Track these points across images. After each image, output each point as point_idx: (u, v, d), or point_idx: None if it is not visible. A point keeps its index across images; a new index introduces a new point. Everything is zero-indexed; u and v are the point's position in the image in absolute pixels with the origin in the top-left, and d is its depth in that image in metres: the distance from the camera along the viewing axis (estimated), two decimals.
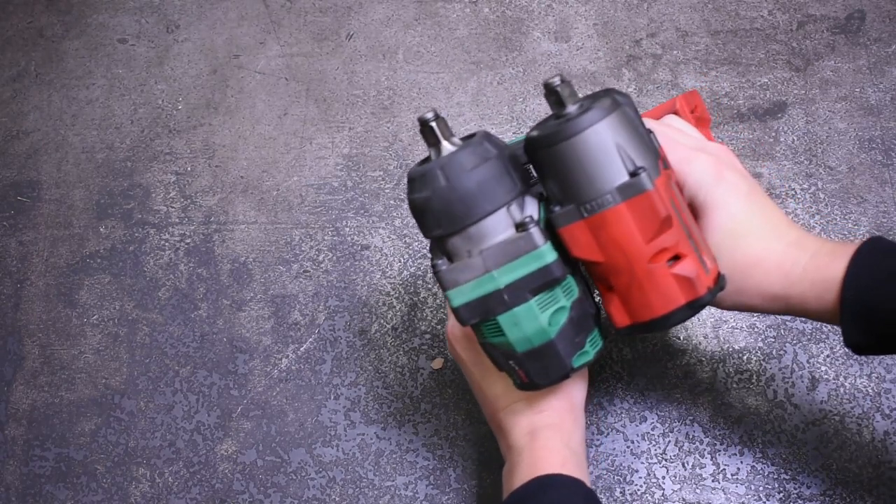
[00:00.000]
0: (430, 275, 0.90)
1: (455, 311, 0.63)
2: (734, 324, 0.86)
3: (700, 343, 0.86)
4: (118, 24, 1.04)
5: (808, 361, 0.84)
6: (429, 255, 0.91)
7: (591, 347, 0.65)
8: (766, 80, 0.95)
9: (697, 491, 0.81)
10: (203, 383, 0.89)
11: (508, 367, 0.65)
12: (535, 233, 0.61)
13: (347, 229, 0.93)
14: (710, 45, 0.97)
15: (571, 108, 0.61)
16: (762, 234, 0.65)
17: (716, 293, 0.63)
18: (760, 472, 0.81)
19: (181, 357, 0.90)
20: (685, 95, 0.73)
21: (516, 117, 0.96)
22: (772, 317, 0.86)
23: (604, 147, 0.59)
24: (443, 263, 0.62)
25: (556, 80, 0.61)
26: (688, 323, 0.86)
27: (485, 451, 0.84)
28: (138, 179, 0.97)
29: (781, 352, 0.85)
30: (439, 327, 0.89)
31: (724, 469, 0.82)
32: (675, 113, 0.72)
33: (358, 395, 0.87)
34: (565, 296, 0.63)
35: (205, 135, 0.98)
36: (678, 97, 0.72)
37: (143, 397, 0.89)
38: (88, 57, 1.03)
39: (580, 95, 0.63)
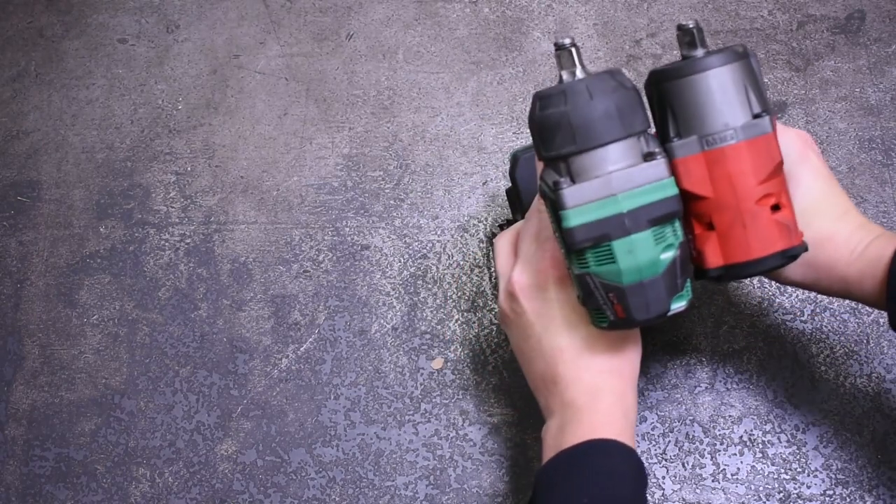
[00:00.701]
0: (430, 275, 0.90)
1: (569, 231, 0.62)
2: (734, 323, 0.86)
3: (700, 343, 0.86)
4: (118, 24, 1.04)
5: (808, 361, 0.84)
6: (429, 255, 0.91)
7: (686, 294, 0.65)
8: (766, 80, 0.95)
9: (697, 491, 0.81)
10: (203, 383, 0.89)
11: (604, 301, 0.64)
12: (664, 163, 0.62)
13: (347, 229, 0.93)
14: (709, 45, 0.97)
15: (700, 52, 0.65)
16: (835, 215, 0.68)
17: (803, 250, 0.66)
18: (760, 472, 0.81)
19: (181, 357, 0.90)
20: None
21: (516, 117, 0.96)
22: (771, 317, 0.86)
23: (733, 86, 0.63)
24: (565, 182, 0.62)
25: (691, 24, 0.64)
26: (688, 323, 0.86)
27: (485, 451, 0.84)
28: (138, 179, 0.97)
29: (781, 352, 0.85)
30: (439, 327, 0.89)
31: (724, 469, 0.82)
32: None
33: (358, 395, 0.87)
34: (674, 235, 0.63)
35: (205, 135, 0.98)
36: None
37: (143, 397, 0.89)
38: (88, 57, 1.03)
39: None
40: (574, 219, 0.62)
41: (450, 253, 0.91)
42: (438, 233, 0.92)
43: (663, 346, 0.86)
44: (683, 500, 0.81)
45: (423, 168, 0.95)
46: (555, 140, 0.62)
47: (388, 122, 0.97)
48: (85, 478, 0.87)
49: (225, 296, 0.92)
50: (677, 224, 0.63)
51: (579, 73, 0.63)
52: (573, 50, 0.63)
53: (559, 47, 0.63)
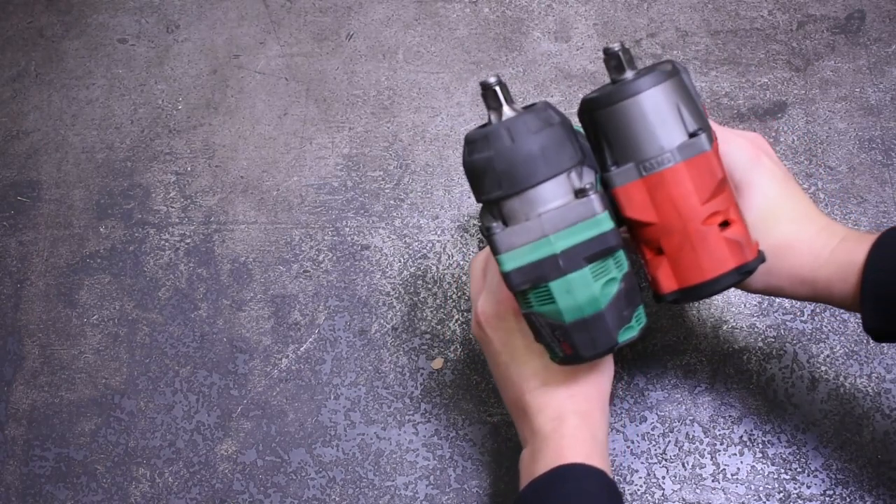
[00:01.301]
0: (430, 275, 0.90)
1: (506, 275, 0.62)
2: (734, 324, 0.86)
3: (700, 343, 0.86)
4: (118, 24, 1.04)
5: (808, 361, 0.84)
6: (428, 255, 0.91)
7: (637, 323, 0.64)
8: (766, 80, 0.95)
9: (697, 491, 0.81)
10: (203, 383, 0.89)
11: (551, 339, 0.64)
12: (595, 199, 0.61)
13: (347, 229, 0.93)
14: (710, 45, 0.97)
15: (629, 74, 0.63)
16: (794, 219, 0.66)
17: (759, 263, 0.64)
18: (760, 472, 0.81)
19: (181, 357, 0.90)
20: None
21: None
22: (772, 316, 0.86)
23: (665, 107, 0.61)
24: (498, 227, 0.61)
25: (617, 46, 0.63)
26: (688, 323, 0.86)
27: (485, 451, 0.84)
28: (138, 179, 0.97)
29: (781, 352, 0.85)
30: (439, 327, 0.89)
31: (724, 469, 0.82)
32: None
33: (358, 395, 0.87)
34: (616, 267, 0.62)
35: (205, 135, 0.98)
36: None
37: (143, 397, 0.89)
38: (88, 57, 1.03)
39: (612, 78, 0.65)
40: (508, 263, 0.62)
41: (450, 253, 0.91)
42: (438, 233, 0.92)
43: (663, 346, 0.86)
44: (683, 500, 0.81)
45: (423, 168, 0.95)
46: (483, 185, 0.62)
47: (388, 122, 0.97)
48: (85, 478, 0.87)
49: (225, 296, 0.92)
50: (620, 255, 0.63)
51: (507, 113, 0.62)
52: (498, 89, 0.62)
53: (485, 87, 0.62)
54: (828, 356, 0.84)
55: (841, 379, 0.84)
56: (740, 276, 0.63)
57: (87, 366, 0.90)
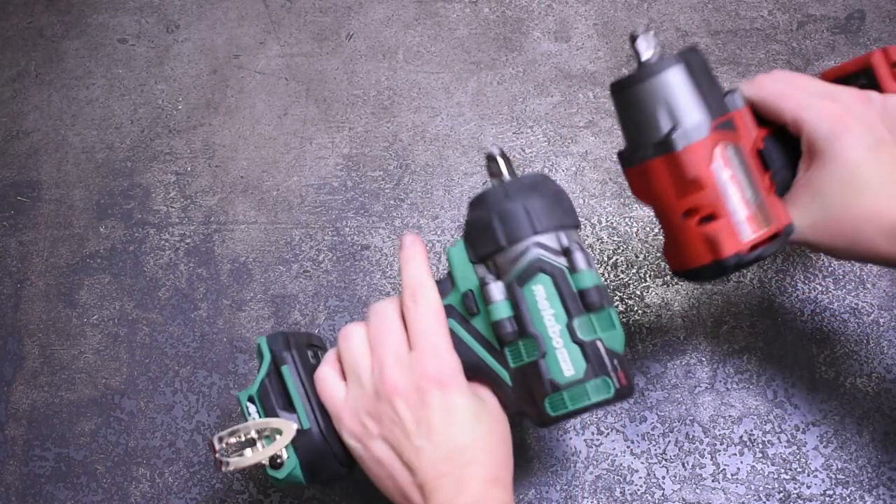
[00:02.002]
0: None
1: (587, 289, 0.63)
2: (734, 324, 0.86)
3: (700, 343, 0.86)
4: (118, 24, 1.04)
5: (808, 361, 0.84)
6: (429, 255, 0.91)
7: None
8: None
9: (697, 491, 0.81)
10: (203, 383, 0.89)
11: (611, 367, 0.63)
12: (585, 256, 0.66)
13: (347, 229, 0.93)
14: (710, 45, 0.97)
15: (650, 57, 0.66)
16: (878, 189, 0.63)
17: (750, 259, 0.65)
18: (760, 472, 0.81)
19: (181, 357, 0.90)
20: (886, 49, 0.71)
21: (516, 117, 0.96)
22: (771, 317, 0.86)
23: (655, 101, 0.65)
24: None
25: (640, 30, 0.66)
26: (688, 323, 0.86)
27: None
28: (138, 179, 0.97)
29: (781, 352, 0.85)
30: None
31: (724, 469, 0.82)
32: (871, 68, 0.70)
33: None
34: None
35: (205, 135, 0.98)
36: (876, 50, 0.71)
37: (143, 397, 0.89)
38: (88, 57, 1.03)
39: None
40: (590, 279, 0.64)
41: None
42: (438, 233, 0.92)
43: (663, 346, 0.86)
44: (683, 500, 0.81)
45: (423, 168, 0.95)
46: (562, 207, 0.66)
47: (388, 122, 0.97)
48: (85, 478, 0.87)
49: (225, 296, 0.92)
50: None
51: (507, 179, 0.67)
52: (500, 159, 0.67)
53: (489, 158, 0.67)
54: (828, 356, 0.84)
55: (841, 379, 0.84)
56: (724, 270, 0.65)
57: (87, 366, 0.90)
